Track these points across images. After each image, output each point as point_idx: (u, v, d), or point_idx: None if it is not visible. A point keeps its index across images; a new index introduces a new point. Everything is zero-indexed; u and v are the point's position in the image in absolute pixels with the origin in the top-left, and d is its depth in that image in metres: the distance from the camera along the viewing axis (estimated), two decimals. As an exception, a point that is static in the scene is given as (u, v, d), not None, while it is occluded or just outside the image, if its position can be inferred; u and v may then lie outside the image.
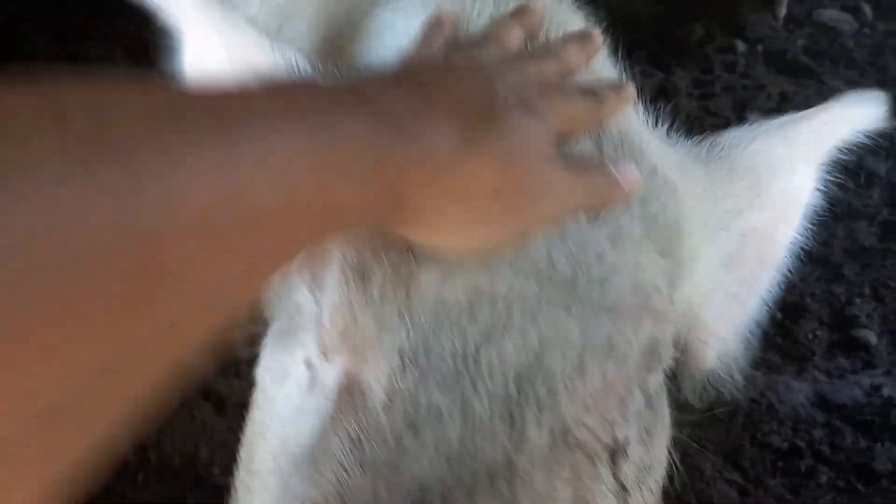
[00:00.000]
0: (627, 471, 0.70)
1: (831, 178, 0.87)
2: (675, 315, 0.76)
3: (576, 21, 0.86)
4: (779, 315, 2.15)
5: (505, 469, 0.63)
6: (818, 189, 0.87)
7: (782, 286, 0.91)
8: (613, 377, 0.67)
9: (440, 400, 0.64)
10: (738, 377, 0.89)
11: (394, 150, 0.54)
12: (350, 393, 0.67)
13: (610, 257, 0.69)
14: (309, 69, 0.77)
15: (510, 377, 0.65)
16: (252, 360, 0.79)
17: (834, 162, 0.87)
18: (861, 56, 3.07)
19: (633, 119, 0.79)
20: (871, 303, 2.28)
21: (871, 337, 2.19)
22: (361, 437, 0.65)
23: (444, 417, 0.64)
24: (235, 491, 0.80)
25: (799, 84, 2.90)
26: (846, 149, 0.85)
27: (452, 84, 0.61)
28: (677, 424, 0.80)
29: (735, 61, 3.02)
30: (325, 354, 0.70)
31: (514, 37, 0.75)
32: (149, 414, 0.44)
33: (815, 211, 0.89)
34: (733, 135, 0.84)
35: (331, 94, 0.54)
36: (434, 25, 0.77)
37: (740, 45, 3.07)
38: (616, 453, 0.69)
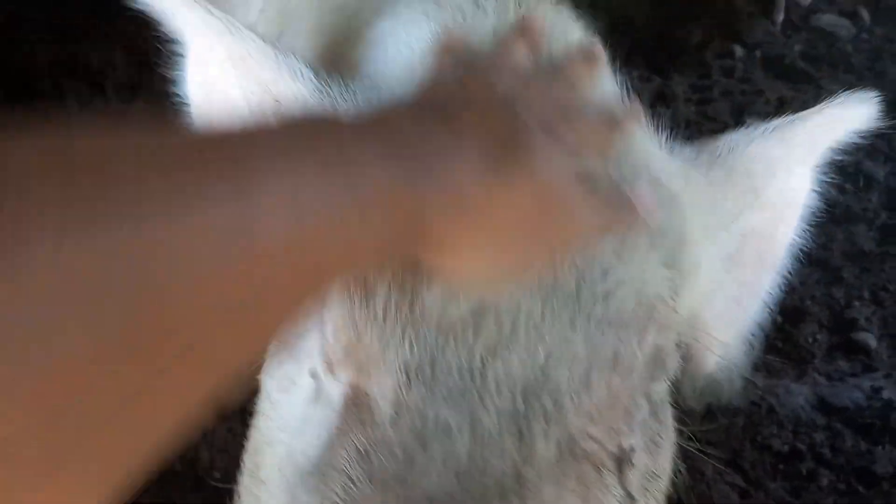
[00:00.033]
0: (634, 479, 0.70)
1: (830, 182, 0.88)
2: (679, 323, 0.76)
3: (575, 30, 0.87)
4: (779, 318, 2.15)
5: (514, 482, 0.64)
6: (815, 190, 0.88)
7: (782, 289, 0.92)
8: (618, 388, 0.68)
9: (448, 414, 0.65)
10: (739, 380, 0.90)
11: (416, 184, 0.52)
12: (356, 406, 0.67)
13: (616, 272, 0.69)
14: (313, 76, 0.78)
15: (517, 391, 0.66)
16: (256, 366, 0.79)
17: (833, 166, 0.87)
18: (859, 61, 3.08)
19: (636, 130, 0.79)
20: (871, 306, 2.28)
21: (871, 340, 2.19)
22: (369, 450, 0.65)
23: (452, 432, 0.64)
24: (239, 497, 0.80)
25: (797, 89, 2.90)
26: (844, 152, 0.85)
27: (474, 114, 0.60)
28: (678, 428, 0.80)
29: (733, 66, 3.03)
30: (329, 368, 0.70)
31: (523, 57, 0.74)
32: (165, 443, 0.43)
33: (814, 214, 0.89)
34: (730, 139, 0.84)
35: (351, 131, 0.53)
36: (445, 50, 0.75)
37: (738, 50, 3.07)
38: (622, 462, 0.70)
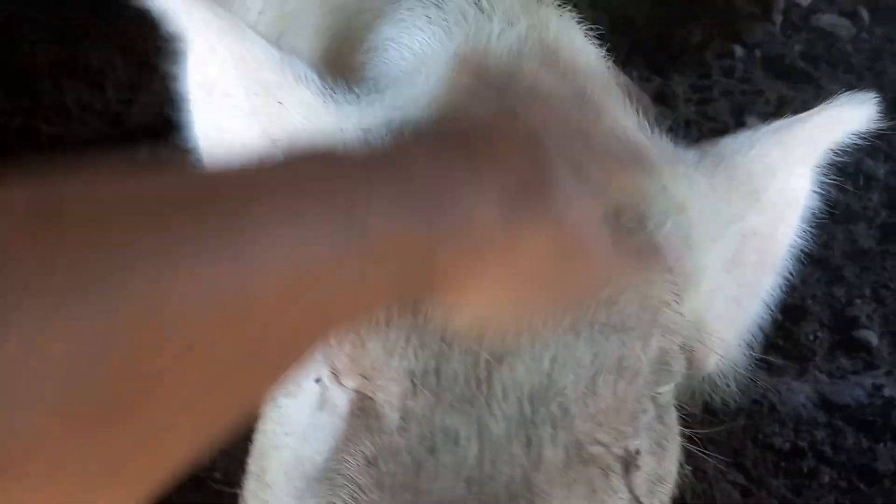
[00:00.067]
0: (640, 482, 0.71)
1: (830, 181, 0.88)
2: (683, 326, 0.76)
3: (579, 34, 0.87)
4: (780, 317, 2.15)
5: (523, 488, 0.64)
6: (816, 191, 0.88)
7: (783, 288, 0.92)
8: (624, 393, 0.68)
9: (456, 421, 0.65)
10: (740, 380, 0.90)
11: (429, 227, 0.50)
12: (363, 413, 0.68)
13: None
14: (317, 80, 0.77)
15: (524, 397, 0.66)
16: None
17: (832, 165, 0.87)
18: (859, 61, 3.07)
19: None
20: (872, 304, 2.28)
21: (872, 338, 2.19)
22: (377, 457, 0.65)
23: (460, 439, 0.64)
24: (244, 501, 0.80)
25: (797, 89, 2.90)
26: (844, 151, 0.85)
27: (501, 150, 0.56)
28: (680, 426, 0.80)
29: (733, 66, 3.03)
30: (335, 376, 0.70)
31: (551, 88, 0.71)
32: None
33: (815, 213, 0.89)
34: (731, 141, 0.84)
35: (360, 171, 0.50)
36: (474, 73, 0.72)
37: (738, 50, 3.07)
38: (629, 465, 0.70)
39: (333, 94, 0.78)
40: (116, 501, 0.40)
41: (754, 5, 3.22)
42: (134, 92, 2.70)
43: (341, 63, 0.92)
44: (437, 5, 0.86)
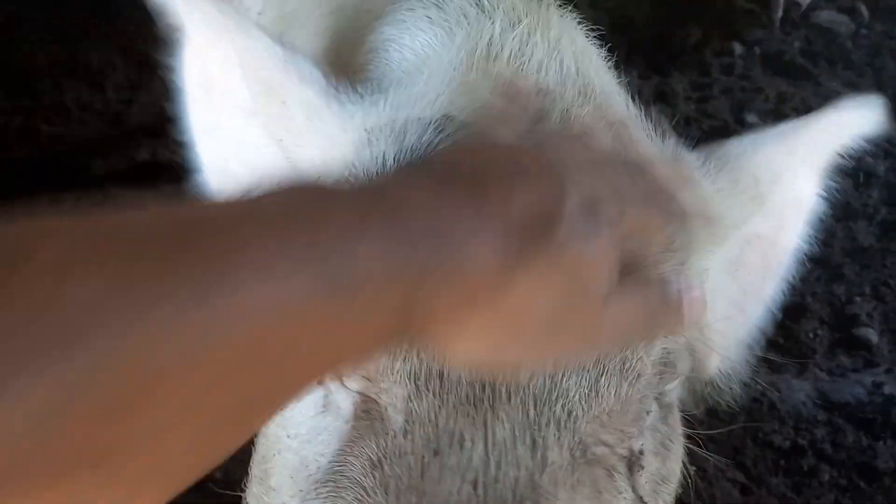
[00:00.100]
0: (644, 482, 0.71)
1: (830, 179, 0.88)
2: (687, 328, 0.76)
3: (580, 36, 0.87)
4: (780, 315, 2.15)
5: (529, 490, 0.64)
6: (820, 195, 0.87)
7: (783, 288, 0.92)
8: (628, 394, 0.68)
9: (461, 424, 0.65)
10: (741, 381, 0.90)
11: (422, 272, 0.47)
12: (368, 416, 0.68)
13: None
14: (322, 79, 0.76)
15: (529, 401, 0.66)
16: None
17: (833, 163, 0.87)
18: (858, 57, 3.08)
19: (644, 141, 0.78)
20: (872, 301, 2.29)
21: (872, 335, 2.20)
22: (382, 459, 0.65)
23: (465, 441, 0.64)
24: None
25: (796, 86, 2.90)
26: (846, 153, 0.85)
27: (518, 188, 0.53)
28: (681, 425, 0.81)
29: (732, 64, 3.03)
30: (339, 379, 0.70)
31: (591, 130, 0.68)
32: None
33: (816, 213, 0.89)
34: (736, 144, 0.84)
35: (352, 208, 0.47)
36: (513, 98, 0.68)
37: (737, 48, 3.08)
38: (633, 465, 0.70)
39: (337, 94, 0.77)
40: (116, 501, 0.40)
41: (753, 3, 3.22)
42: (134, 92, 2.70)
43: (342, 63, 0.91)
44: (437, 6, 0.86)
